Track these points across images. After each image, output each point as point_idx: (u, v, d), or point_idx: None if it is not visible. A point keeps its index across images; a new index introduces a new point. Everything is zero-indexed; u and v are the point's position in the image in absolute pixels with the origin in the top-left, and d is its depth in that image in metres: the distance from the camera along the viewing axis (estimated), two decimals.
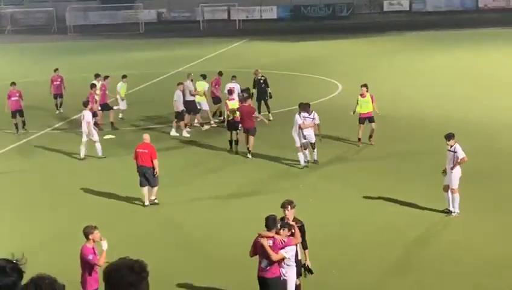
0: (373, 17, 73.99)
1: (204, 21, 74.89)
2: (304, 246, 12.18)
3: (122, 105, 28.50)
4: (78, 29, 74.80)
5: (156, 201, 18.12)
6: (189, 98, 26.43)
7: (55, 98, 30.67)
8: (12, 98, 26.92)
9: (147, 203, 18.03)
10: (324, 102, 30.35)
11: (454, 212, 16.42)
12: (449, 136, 16.56)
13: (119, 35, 69.31)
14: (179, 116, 25.68)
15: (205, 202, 18.38)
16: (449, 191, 16.42)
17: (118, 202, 18.60)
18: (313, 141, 20.94)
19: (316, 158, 21.15)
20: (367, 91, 22.90)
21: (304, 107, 21.05)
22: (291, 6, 77.97)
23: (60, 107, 30.79)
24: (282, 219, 11.78)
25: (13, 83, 27.63)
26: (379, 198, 17.80)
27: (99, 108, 26.74)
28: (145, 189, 18.02)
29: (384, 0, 77.23)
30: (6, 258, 4.11)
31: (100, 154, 22.91)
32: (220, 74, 28.82)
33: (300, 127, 20.63)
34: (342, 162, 21.59)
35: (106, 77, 28.39)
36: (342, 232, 15.96)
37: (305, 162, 20.91)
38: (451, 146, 16.41)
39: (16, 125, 26.93)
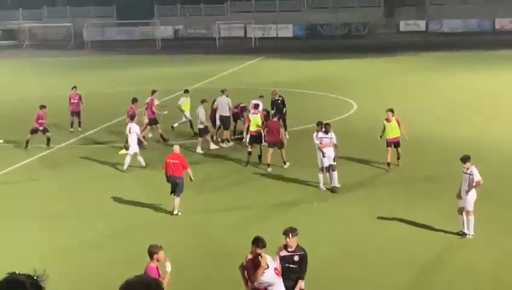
0: (389, 37, 74.01)
1: (220, 38, 75.24)
2: (301, 276, 11.89)
3: (188, 116, 28.43)
4: (96, 44, 75.38)
5: (175, 212, 18.56)
6: (225, 113, 26.55)
7: (72, 115, 30.52)
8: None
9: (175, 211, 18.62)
10: (339, 121, 30.31)
11: (469, 235, 16.31)
12: (465, 159, 16.47)
13: (136, 51, 69.74)
14: (202, 132, 25.78)
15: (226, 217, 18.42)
16: (464, 214, 16.32)
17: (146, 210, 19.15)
18: (332, 163, 20.34)
19: (335, 184, 20.38)
20: (393, 116, 22.30)
21: (320, 126, 20.90)
22: (307, 24, 78.21)
23: (79, 126, 30.46)
24: (286, 246, 11.76)
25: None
26: (394, 219, 17.72)
27: (147, 122, 27.25)
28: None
29: (401, 20, 77.33)
30: (28, 273, 4.14)
31: (143, 164, 23.43)
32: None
33: (319, 148, 20.51)
34: (357, 182, 21.44)
35: (154, 92, 28.19)
36: (354, 250, 15.88)
37: (324, 186, 20.52)
38: (467, 169, 16.31)
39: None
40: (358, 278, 14.51)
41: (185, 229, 17.77)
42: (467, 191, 16.19)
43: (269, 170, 22.71)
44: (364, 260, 15.37)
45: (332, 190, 20.35)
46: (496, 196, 18.95)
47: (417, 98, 36.42)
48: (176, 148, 19.21)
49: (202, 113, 25.76)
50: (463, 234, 16.38)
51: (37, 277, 4.16)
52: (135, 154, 23.36)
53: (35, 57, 67.15)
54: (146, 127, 27.23)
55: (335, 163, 20.39)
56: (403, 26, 76.77)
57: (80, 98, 30.54)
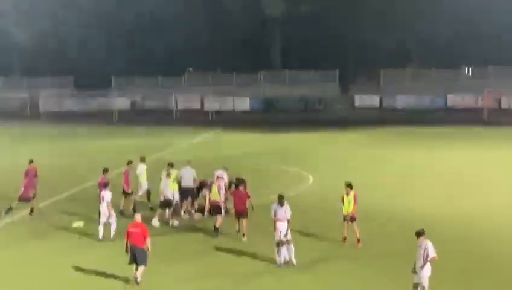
0: (344, 112, 75.13)
1: (177, 110, 75.56)
2: None
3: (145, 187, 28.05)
4: (52, 115, 74.91)
5: (138, 280, 18.28)
6: (189, 184, 26.28)
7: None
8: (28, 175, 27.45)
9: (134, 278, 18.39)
10: (295, 195, 30.29)
11: None
12: (419, 233, 16.49)
13: (93, 122, 69.45)
14: (164, 205, 25.50)
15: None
16: (419, 289, 16.23)
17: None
18: (287, 238, 20.00)
19: (291, 257, 20.00)
20: (351, 190, 22.10)
21: (278, 198, 20.69)
22: (263, 98, 79.08)
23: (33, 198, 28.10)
24: None
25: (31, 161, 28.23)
26: None
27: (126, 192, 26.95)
28: (134, 266, 18.48)
29: (356, 95, 78.69)
30: None
31: (112, 235, 23.02)
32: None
33: (273, 220, 20.34)
34: (314, 257, 21.16)
35: (130, 162, 27.72)
36: None
37: (283, 261, 20.06)
38: (421, 243, 16.31)
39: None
40: None
41: None
42: (422, 266, 16.15)
43: (244, 239, 22.71)
44: None
45: (289, 263, 20.02)
46: (458, 274, 18.92)
47: (370, 171, 36.71)
48: (138, 217, 19.08)
49: (166, 185, 25.47)
50: None
51: None
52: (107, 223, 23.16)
53: None
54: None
55: (288, 237, 20.03)
56: (358, 101, 78.08)
57: (36, 172, 28.60)
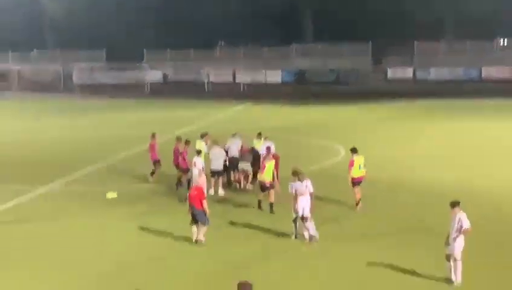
0: (377, 84, 74.56)
1: (209, 83, 75.60)
2: None
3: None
4: (85, 88, 75.51)
5: (200, 239, 19.27)
6: (235, 154, 26.12)
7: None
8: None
9: (194, 239, 19.37)
10: (326, 167, 30.21)
11: (455, 282, 16.09)
12: (454, 204, 16.31)
13: (125, 95, 69.86)
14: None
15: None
16: (451, 260, 16.12)
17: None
18: (306, 215, 19.42)
19: (312, 233, 19.45)
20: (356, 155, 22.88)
21: (294, 174, 19.98)
22: (296, 70, 78.74)
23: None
24: None
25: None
26: (380, 265, 17.46)
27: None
28: (194, 227, 19.35)
29: (389, 67, 78.01)
30: None
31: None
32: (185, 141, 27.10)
33: (294, 197, 19.68)
34: (342, 228, 21.18)
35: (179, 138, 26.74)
36: None
37: (295, 235, 19.71)
38: (455, 215, 16.15)
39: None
40: None
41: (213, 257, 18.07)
42: (455, 238, 16.01)
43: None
44: None
45: (310, 239, 19.53)
46: (484, 243, 18.76)
47: (402, 144, 36.46)
48: (200, 180, 20.23)
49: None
50: (450, 282, 16.15)
51: None
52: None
53: (24, 99, 67.06)
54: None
55: (309, 214, 19.51)
56: (391, 73, 77.42)
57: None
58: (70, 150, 34.58)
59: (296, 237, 19.74)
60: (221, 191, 25.40)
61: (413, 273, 16.86)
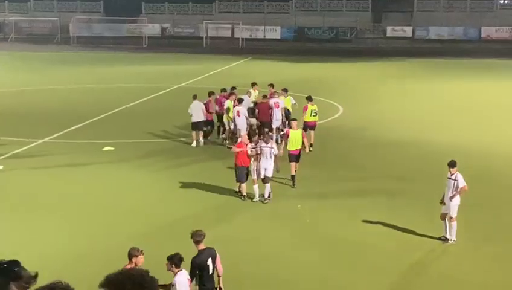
0: (376, 42, 74.27)
1: (207, 38, 75.16)
2: (219, 272, 12.03)
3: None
4: (82, 40, 75.03)
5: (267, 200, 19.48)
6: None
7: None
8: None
9: (244, 193, 19.64)
10: (324, 124, 30.31)
11: (451, 240, 16.32)
12: (452, 164, 16.45)
13: (122, 48, 69.49)
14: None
15: None
16: (447, 219, 16.33)
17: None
18: (269, 175, 19.38)
19: (267, 194, 19.35)
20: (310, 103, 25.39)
21: (262, 135, 20.59)
22: (295, 27, 78.27)
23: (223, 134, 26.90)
24: None
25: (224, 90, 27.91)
26: (375, 223, 17.67)
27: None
28: (244, 185, 19.59)
29: (388, 26, 77.58)
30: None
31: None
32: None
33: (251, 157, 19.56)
34: (338, 187, 21.29)
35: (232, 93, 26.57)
36: (334, 254, 15.83)
37: (259, 196, 19.46)
38: (452, 174, 16.31)
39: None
40: (338, 283, 14.45)
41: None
42: (451, 197, 16.19)
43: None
44: (345, 265, 15.30)
45: (266, 198, 19.39)
46: (479, 201, 18.97)
47: (401, 103, 36.52)
48: (244, 138, 20.16)
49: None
50: (445, 240, 16.38)
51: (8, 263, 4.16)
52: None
53: (20, 50, 66.69)
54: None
55: (271, 175, 19.48)
56: (390, 31, 77.04)
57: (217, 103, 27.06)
58: (73, 103, 34.47)
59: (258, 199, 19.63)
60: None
61: (409, 231, 17.10)
